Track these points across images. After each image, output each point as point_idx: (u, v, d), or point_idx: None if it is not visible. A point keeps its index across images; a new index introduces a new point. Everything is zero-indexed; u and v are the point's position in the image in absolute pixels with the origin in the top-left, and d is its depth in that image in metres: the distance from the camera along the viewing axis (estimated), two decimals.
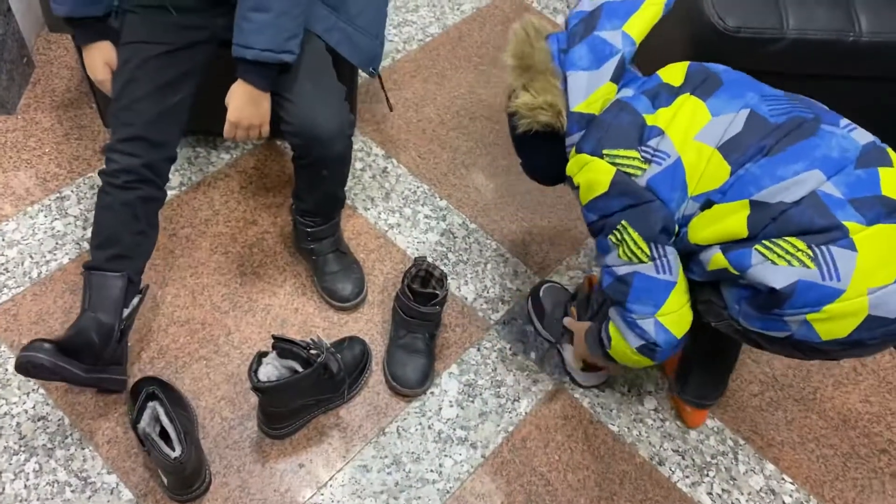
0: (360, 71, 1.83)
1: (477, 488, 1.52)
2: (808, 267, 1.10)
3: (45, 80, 2.05)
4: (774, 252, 1.12)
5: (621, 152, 1.20)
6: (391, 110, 2.06)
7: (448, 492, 1.51)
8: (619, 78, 1.25)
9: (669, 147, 1.18)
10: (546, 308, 1.68)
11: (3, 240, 1.75)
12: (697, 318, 1.31)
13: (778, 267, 1.11)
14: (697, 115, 1.19)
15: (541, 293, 1.72)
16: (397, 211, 1.91)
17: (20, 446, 1.48)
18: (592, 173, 1.22)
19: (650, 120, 1.21)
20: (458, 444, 1.57)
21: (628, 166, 1.19)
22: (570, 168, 1.28)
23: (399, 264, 1.82)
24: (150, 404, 1.42)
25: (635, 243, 1.21)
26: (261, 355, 1.44)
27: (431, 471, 1.53)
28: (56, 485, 1.44)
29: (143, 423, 1.40)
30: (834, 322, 1.12)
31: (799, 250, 1.10)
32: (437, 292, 1.59)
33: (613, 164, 1.20)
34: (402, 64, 2.23)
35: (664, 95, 1.23)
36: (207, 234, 1.82)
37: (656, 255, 1.21)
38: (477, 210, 1.94)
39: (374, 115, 2.09)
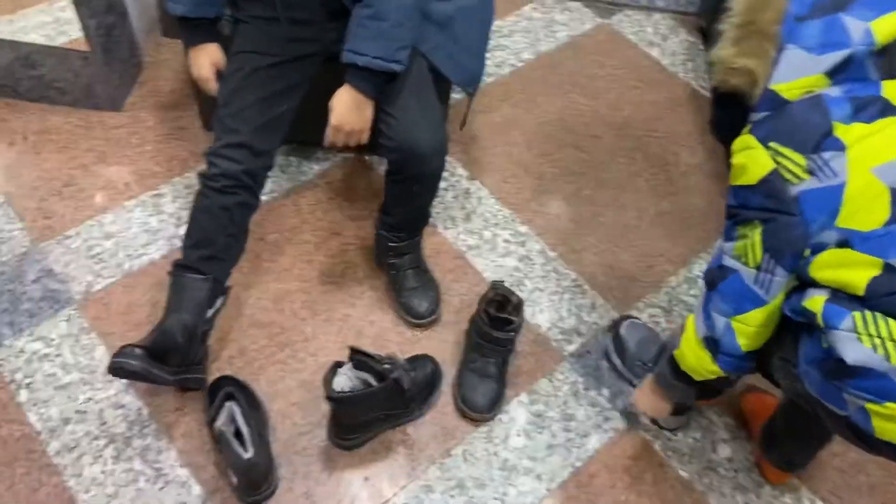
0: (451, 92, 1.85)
1: None
2: (890, 362, 1.00)
3: (152, 80, 2.14)
4: (868, 329, 1.02)
5: (788, 152, 1.07)
6: (461, 129, 2.06)
7: None
8: (834, 75, 1.08)
9: (841, 167, 1.05)
10: (629, 347, 1.64)
11: (101, 231, 1.83)
12: (771, 373, 1.26)
13: (860, 345, 1.02)
14: (892, 145, 1.05)
15: (622, 329, 1.68)
16: (477, 233, 1.92)
17: (101, 432, 1.53)
18: (749, 160, 1.10)
19: (839, 130, 1.05)
20: (524, 475, 1.55)
21: (788, 170, 1.07)
22: (737, 143, 1.15)
23: (475, 286, 1.82)
24: (228, 404, 1.46)
25: (753, 246, 1.13)
26: (337, 365, 1.46)
27: (495, 498, 1.51)
28: (131, 472, 1.49)
29: (220, 422, 1.43)
30: (893, 423, 1.03)
31: (893, 341, 1.01)
32: (513, 319, 1.58)
33: (775, 160, 1.07)
34: (493, 88, 2.24)
35: (873, 110, 1.07)
36: (293, 241, 1.86)
37: (764, 268, 1.13)
38: (557, 239, 1.93)
39: (460, 136, 2.11)
